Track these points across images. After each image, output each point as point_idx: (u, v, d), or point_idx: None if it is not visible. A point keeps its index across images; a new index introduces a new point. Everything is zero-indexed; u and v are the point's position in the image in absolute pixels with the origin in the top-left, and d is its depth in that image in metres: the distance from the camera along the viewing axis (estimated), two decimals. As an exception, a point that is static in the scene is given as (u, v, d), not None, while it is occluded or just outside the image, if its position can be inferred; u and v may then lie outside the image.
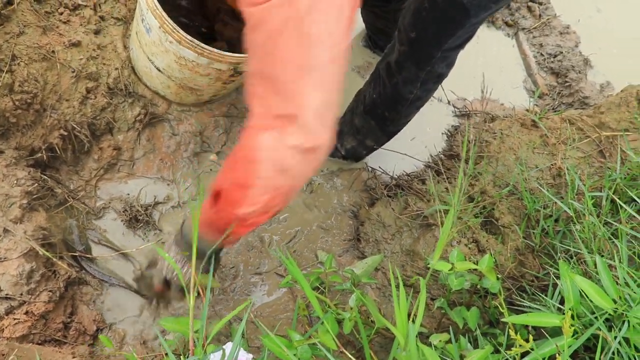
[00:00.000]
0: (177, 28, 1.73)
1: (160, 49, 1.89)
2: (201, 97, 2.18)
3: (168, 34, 1.76)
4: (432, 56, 1.82)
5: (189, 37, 1.73)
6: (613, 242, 1.53)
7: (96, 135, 2.11)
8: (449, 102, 2.74)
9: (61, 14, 2.16)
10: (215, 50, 1.75)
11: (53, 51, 2.03)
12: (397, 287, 1.21)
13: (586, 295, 1.22)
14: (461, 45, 1.84)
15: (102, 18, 2.27)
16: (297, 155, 1.13)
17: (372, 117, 2.16)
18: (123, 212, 2.05)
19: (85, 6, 2.23)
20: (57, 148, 1.99)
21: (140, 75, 2.20)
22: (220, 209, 1.31)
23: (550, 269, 1.62)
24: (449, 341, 1.42)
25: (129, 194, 2.09)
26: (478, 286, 1.56)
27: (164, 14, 1.73)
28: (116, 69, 2.17)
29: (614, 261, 1.36)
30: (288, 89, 1.07)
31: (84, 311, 1.86)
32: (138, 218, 2.04)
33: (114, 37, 2.26)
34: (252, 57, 1.12)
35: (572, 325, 1.23)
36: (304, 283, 1.30)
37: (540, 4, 3.18)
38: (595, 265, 1.32)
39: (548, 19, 3.14)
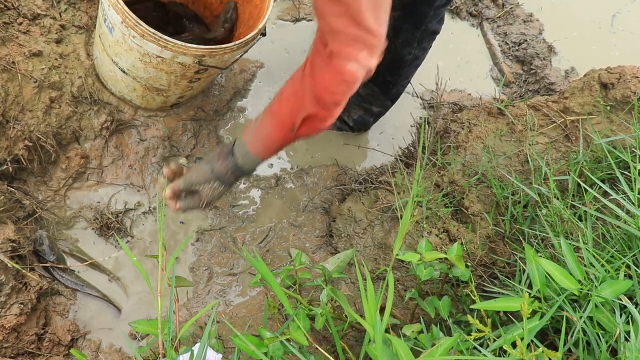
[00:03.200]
0: (140, 21, 1.73)
1: (123, 47, 1.88)
2: (167, 100, 2.17)
3: (131, 28, 1.74)
4: (425, 15, 1.99)
5: (151, 29, 1.72)
6: (579, 224, 1.56)
7: (62, 144, 2.09)
8: (416, 95, 2.76)
9: (20, 24, 2.14)
10: (179, 42, 1.74)
11: (13, 62, 2.01)
12: (364, 280, 1.22)
13: (552, 278, 1.24)
14: (447, 3, 2.01)
15: (63, 27, 2.26)
16: (368, 70, 1.32)
17: (375, 84, 2.28)
18: (94, 220, 2.03)
19: (45, 15, 2.21)
20: (22, 159, 1.97)
21: (105, 81, 2.18)
22: (307, 127, 1.44)
23: (520, 254, 1.63)
24: (421, 331, 1.43)
25: (99, 202, 2.08)
26: (449, 275, 1.58)
27: (125, 7, 1.72)
28: (80, 77, 2.15)
29: (580, 243, 1.38)
30: (366, 21, 1.23)
31: (58, 322, 1.84)
32: (109, 225, 2.03)
33: (77, 46, 2.25)
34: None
35: (538, 308, 1.25)
36: (272, 280, 1.30)
37: (503, -7, 3.21)
38: (561, 247, 1.34)
39: (511, 7, 3.17)
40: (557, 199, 1.65)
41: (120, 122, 2.19)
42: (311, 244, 2.17)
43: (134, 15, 1.72)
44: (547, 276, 1.27)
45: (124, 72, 2.02)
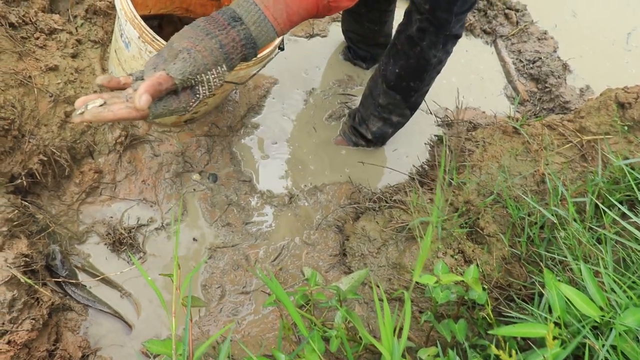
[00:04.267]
0: (157, 37, 1.72)
1: (139, 62, 1.88)
2: (182, 115, 2.16)
3: (148, 43, 1.74)
4: (448, 21, 2.00)
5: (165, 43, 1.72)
6: (598, 247, 1.53)
7: (77, 159, 2.09)
8: (430, 112, 2.75)
9: (37, 38, 2.14)
10: None
11: (30, 76, 2.01)
12: (381, 301, 1.20)
13: (572, 304, 1.22)
14: (469, 9, 2.02)
15: (79, 41, 2.26)
16: None
17: (397, 91, 2.27)
18: (106, 235, 2.03)
19: (62, 30, 2.22)
20: (37, 173, 1.97)
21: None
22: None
23: (537, 277, 1.61)
24: (437, 355, 1.41)
25: (111, 217, 2.07)
26: (465, 297, 1.55)
27: (142, 22, 1.72)
28: (95, 91, 2.15)
29: (600, 267, 1.36)
30: None
31: (69, 338, 1.83)
32: (122, 241, 2.02)
33: (92, 60, 2.25)
34: None
35: (559, 335, 1.22)
36: (287, 302, 1.28)
37: (517, 10, 3.20)
38: (581, 272, 1.32)
39: (525, 25, 3.16)
40: (576, 221, 1.63)
41: (134, 137, 2.19)
42: (324, 262, 2.15)
43: (151, 31, 1.72)
44: (567, 302, 1.25)
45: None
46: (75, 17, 2.35)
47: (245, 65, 1.82)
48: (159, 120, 2.21)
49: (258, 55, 1.85)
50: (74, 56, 2.22)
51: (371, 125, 2.43)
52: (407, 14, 2.10)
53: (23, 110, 1.96)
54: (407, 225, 2.02)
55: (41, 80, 2.04)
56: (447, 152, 2.36)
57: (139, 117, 1.14)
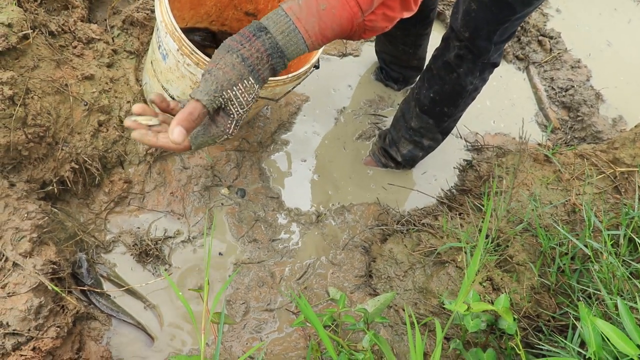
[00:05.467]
0: (196, 50, 1.73)
1: (176, 74, 1.89)
2: (225, 140, 2.17)
3: (186, 56, 1.75)
4: (487, 49, 1.98)
5: (207, 58, 1.73)
6: (633, 282, 1.50)
7: (107, 168, 2.10)
8: (460, 136, 2.73)
9: (75, 47, 2.17)
10: None
11: (66, 84, 2.04)
12: (405, 325, 1.18)
13: (608, 340, 1.19)
14: (509, 38, 2.00)
15: (114, 51, 2.29)
16: None
17: (430, 115, 2.26)
18: (133, 246, 2.03)
19: (99, 40, 2.24)
20: (68, 181, 1.98)
21: (153, 106, 2.19)
22: (376, 17, 1.19)
23: (568, 309, 1.58)
24: (465, 384, 1.39)
25: (139, 228, 2.07)
26: (494, 326, 1.53)
27: (183, 36, 1.73)
28: (128, 102, 2.17)
29: (635, 303, 1.33)
30: None
31: (92, 347, 1.82)
32: (148, 252, 2.02)
33: (127, 70, 2.27)
34: None
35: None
36: (318, 325, 1.27)
37: (551, 37, 3.18)
38: (615, 307, 1.29)
39: (559, 52, 3.14)
40: (611, 254, 1.60)
41: (165, 149, 2.19)
42: (350, 283, 2.13)
43: (190, 44, 1.73)
44: (603, 337, 1.22)
45: (173, 99, 2.03)
46: (112, 27, 2.38)
47: (282, 82, 1.82)
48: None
49: (295, 73, 1.86)
50: (109, 66, 2.24)
51: (402, 148, 2.42)
52: (445, 39, 2.09)
53: (58, 118, 1.97)
54: (436, 249, 2.00)
55: (77, 89, 2.06)
56: (481, 177, 2.34)
57: (179, 150, 1.15)
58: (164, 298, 1.98)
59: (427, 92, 2.19)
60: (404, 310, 1.93)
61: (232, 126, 1.17)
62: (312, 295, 2.08)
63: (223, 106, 1.14)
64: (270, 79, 1.67)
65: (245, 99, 1.14)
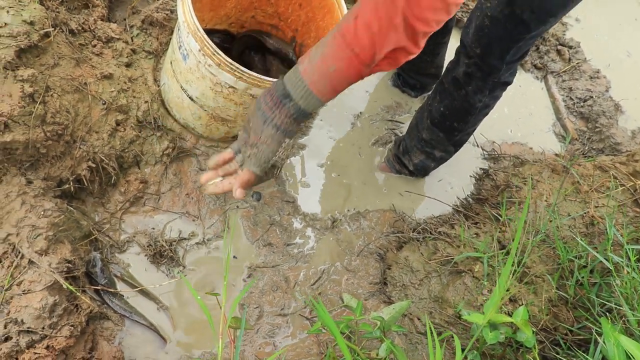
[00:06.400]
0: (218, 50, 1.73)
1: (196, 75, 1.88)
2: (231, 131, 2.16)
3: (208, 57, 1.74)
4: (498, 68, 1.93)
5: (229, 59, 1.72)
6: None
7: (123, 167, 2.09)
8: (477, 145, 2.71)
9: (94, 46, 2.17)
10: (254, 74, 1.74)
11: (85, 83, 2.03)
12: (420, 334, 1.17)
13: (633, 358, 1.17)
14: (521, 57, 1.94)
15: (133, 51, 2.29)
16: None
17: (440, 129, 2.22)
18: (147, 246, 2.02)
19: (119, 39, 2.24)
20: (84, 180, 1.98)
21: (171, 107, 2.19)
22: (384, 64, 1.29)
23: (587, 322, 1.56)
24: (482, 397, 1.37)
25: (153, 229, 2.07)
26: (511, 338, 1.51)
27: (205, 36, 1.73)
28: (146, 102, 2.16)
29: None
30: None
31: (104, 347, 1.82)
32: (162, 253, 2.01)
33: (145, 70, 2.27)
34: None
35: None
36: (336, 332, 1.26)
37: (570, 47, 3.16)
38: (638, 323, 1.27)
39: (578, 62, 3.11)
40: (634, 270, 1.57)
41: (182, 150, 2.19)
42: (364, 290, 2.12)
43: (212, 44, 1.72)
44: (627, 355, 1.20)
45: (192, 99, 2.03)
46: (131, 27, 2.38)
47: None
48: (209, 134, 2.21)
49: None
50: (128, 65, 2.24)
51: (414, 157, 2.40)
52: (457, 53, 2.05)
53: (76, 117, 1.97)
54: (453, 259, 1.98)
55: (95, 88, 2.06)
56: (497, 187, 2.32)
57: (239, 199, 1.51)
58: (177, 300, 1.97)
59: (438, 106, 2.16)
60: (419, 319, 1.92)
61: (277, 168, 1.57)
62: (326, 301, 2.07)
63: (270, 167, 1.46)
64: (275, 80, 1.77)
65: (284, 154, 1.55)
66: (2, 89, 1.77)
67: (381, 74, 2.82)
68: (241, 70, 1.73)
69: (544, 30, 1.82)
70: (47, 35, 1.94)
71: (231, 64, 1.73)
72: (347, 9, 1.97)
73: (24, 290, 1.68)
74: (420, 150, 2.36)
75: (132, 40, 2.34)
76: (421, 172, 2.48)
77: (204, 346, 1.91)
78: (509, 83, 2.04)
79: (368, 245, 2.22)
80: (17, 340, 1.63)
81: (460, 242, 2.02)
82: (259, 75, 1.74)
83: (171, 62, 2.07)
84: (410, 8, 1.16)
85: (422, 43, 1.27)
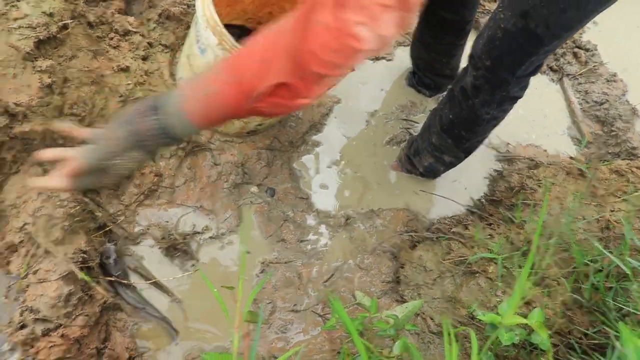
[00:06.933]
0: (237, 45, 1.72)
1: (213, 70, 1.89)
2: (246, 126, 2.16)
3: (227, 51, 1.74)
4: (507, 82, 1.86)
5: None
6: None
7: (139, 160, 2.10)
8: (491, 146, 2.70)
9: (111, 39, 2.18)
10: None
11: (102, 75, 2.04)
12: (434, 334, 1.16)
13: (651, 362, 1.16)
14: (533, 72, 1.87)
15: (150, 45, 2.29)
16: (381, 44, 0.99)
17: (449, 136, 2.18)
18: (161, 239, 2.02)
19: (136, 32, 2.24)
20: (100, 171, 1.98)
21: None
22: (271, 102, 1.11)
23: (603, 326, 1.55)
24: (496, 398, 1.36)
25: (167, 222, 2.07)
26: (525, 340, 1.50)
27: (224, 30, 1.73)
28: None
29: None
30: None
31: (117, 338, 1.83)
32: (176, 247, 2.02)
33: (161, 64, 2.27)
34: None
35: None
36: (352, 329, 1.25)
37: (587, 50, 3.14)
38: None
39: (594, 65, 3.09)
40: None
41: (196, 144, 2.19)
42: (376, 288, 2.11)
43: (231, 39, 1.72)
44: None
45: (208, 94, 2.03)
46: (149, 20, 2.38)
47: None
48: (223, 129, 2.21)
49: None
50: (144, 59, 2.24)
51: (423, 160, 2.38)
52: (468, 61, 1.97)
53: (93, 108, 1.98)
54: (467, 259, 1.97)
55: (112, 80, 2.06)
56: (511, 188, 2.31)
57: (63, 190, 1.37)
58: (189, 293, 1.97)
59: (447, 112, 2.12)
60: (431, 318, 1.91)
61: (111, 180, 1.29)
62: (338, 299, 2.07)
63: (106, 168, 1.24)
64: None
65: (126, 165, 1.24)
66: (21, 80, 1.78)
67: (397, 70, 2.82)
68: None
69: (558, 45, 1.76)
70: (65, 27, 1.95)
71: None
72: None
73: (40, 279, 1.70)
74: (430, 154, 2.33)
75: (149, 34, 2.34)
76: (431, 174, 2.47)
77: (216, 340, 1.91)
78: (518, 97, 1.98)
79: (381, 244, 2.22)
80: (33, 328, 1.64)
81: (474, 242, 2.02)
82: (278, 71, 1.74)
83: (188, 57, 2.07)
84: (304, 40, 1.00)
85: (316, 89, 1.08)
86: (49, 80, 1.81)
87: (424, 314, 1.95)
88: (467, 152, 2.29)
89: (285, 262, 2.10)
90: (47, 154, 1.27)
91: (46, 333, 1.64)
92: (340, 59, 0.99)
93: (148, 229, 2.05)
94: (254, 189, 2.21)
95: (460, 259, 2.00)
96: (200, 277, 2.00)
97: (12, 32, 1.79)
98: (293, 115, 2.41)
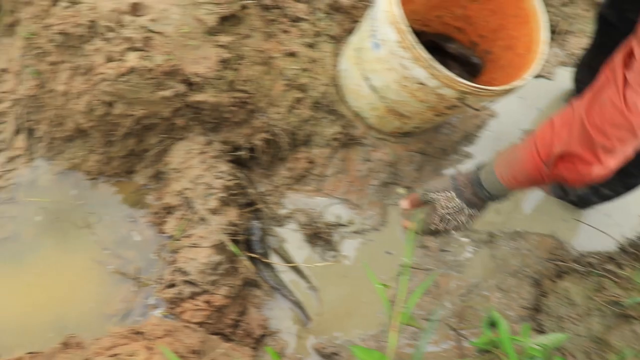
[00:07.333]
0: (418, 44, 1.70)
1: (385, 66, 1.87)
2: (403, 127, 2.14)
3: (406, 50, 1.72)
4: None
5: (428, 55, 1.69)
6: None
7: (294, 144, 2.13)
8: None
9: (282, 23, 2.22)
10: (451, 74, 1.69)
11: (271, 57, 2.08)
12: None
13: None
14: None
15: (317, 33, 2.31)
16: None
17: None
18: (305, 225, 2.04)
19: (305, 20, 2.28)
20: (257, 149, 2.03)
21: (346, 93, 2.19)
22: (566, 168, 1.24)
23: None
24: None
25: (313, 209, 2.08)
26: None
27: (408, 28, 1.71)
28: (324, 84, 2.18)
29: None
30: None
31: (253, 314, 1.86)
32: (319, 235, 2.03)
33: (325, 54, 2.29)
34: None
35: None
36: (510, 350, 1.20)
37: None
38: None
39: None
40: None
41: (351, 137, 2.19)
42: (514, 313, 2.03)
43: (414, 37, 1.70)
44: None
45: (373, 89, 2.02)
46: (317, 9, 2.41)
47: (494, 93, 1.75)
48: (378, 125, 2.19)
49: (510, 85, 1.78)
50: (310, 46, 2.27)
51: (578, 188, 2.26)
52: None
53: (260, 88, 2.03)
54: (621, 301, 1.85)
55: (280, 63, 2.10)
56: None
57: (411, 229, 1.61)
58: (327, 283, 1.98)
59: None
60: (573, 356, 1.81)
61: (437, 221, 1.54)
62: (472, 316, 2.00)
63: (431, 202, 1.54)
64: (486, 87, 1.74)
65: (445, 204, 1.50)
66: (202, 52, 1.85)
67: (556, 90, 2.70)
68: (437, 68, 1.69)
69: None
70: (245, 7, 2.00)
71: (428, 59, 1.69)
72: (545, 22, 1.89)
73: (193, 244, 1.76)
74: None
75: (317, 23, 2.37)
76: (581, 204, 2.35)
77: (348, 334, 1.91)
78: None
79: (524, 268, 2.13)
80: (181, 289, 1.70)
81: (631, 284, 1.89)
82: (454, 76, 1.69)
83: (357, 50, 2.07)
84: (588, 114, 1.13)
85: (607, 159, 1.17)
86: (227, 55, 1.87)
87: (565, 349, 1.84)
88: (628, 189, 2.15)
89: (425, 269, 2.06)
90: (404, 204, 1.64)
91: (192, 296, 1.70)
92: (623, 133, 1.09)
93: (293, 213, 2.07)
94: (401, 190, 2.19)
95: (613, 299, 1.88)
96: (337, 268, 2.00)
97: (199, 7, 1.86)
98: (448, 122, 2.36)
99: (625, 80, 1.06)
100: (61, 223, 1.97)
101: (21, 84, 2.04)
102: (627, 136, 1.09)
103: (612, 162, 1.17)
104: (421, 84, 1.80)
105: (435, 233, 1.57)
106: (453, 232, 1.55)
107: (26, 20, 2.02)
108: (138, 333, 1.49)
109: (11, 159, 2.03)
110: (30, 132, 2.07)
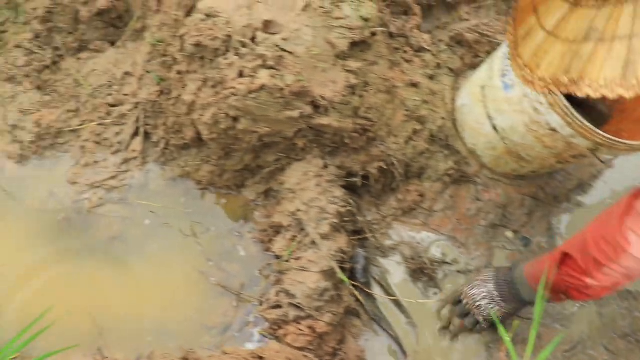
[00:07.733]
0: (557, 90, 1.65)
1: (514, 108, 1.82)
2: (519, 170, 2.09)
3: (543, 94, 1.67)
4: None
5: (565, 102, 1.62)
6: None
7: (407, 176, 2.11)
8: None
9: (406, 52, 2.21)
10: (589, 124, 1.62)
11: (395, 86, 2.08)
12: None
13: None
14: None
15: (438, 65, 2.29)
16: None
17: None
18: (410, 259, 2.01)
19: (428, 50, 2.26)
20: (371, 178, 2.03)
21: (463, 129, 2.16)
22: (565, 272, 1.40)
23: None
24: None
25: (419, 243, 2.06)
26: None
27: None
28: (442, 118, 2.16)
29: None
30: None
31: (351, 344, 1.85)
32: (423, 271, 2.00)
33: (445, 87, 2.26)
34: None
35: None
36: None
37: None
38: None
39: None
40: None
41: (463, 174, 2.16)
42: (621, 377, 1.94)
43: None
44: None
45: (495, 129, 1.97)
46: (440, 41, 2.39)
47: (630, 147, 1.67)
48: (493, 166, 2.15)
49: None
50: (431, 78, 2.25)
51: None
52: None
53: (382, 117, 2.02)
54: None
55: (403, 93, 2.09)
56: None
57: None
58: (426, 321, 1.95)
59: None
60: None
61: (470, 323, 1.81)
62: (577, 375, 1.93)
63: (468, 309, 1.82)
64: (623, 141, 1.66)
65: (485, 306, 1.76)
66: (330, 75, 1.86)
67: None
68: (576, 116, 1.63)
69: None
70: (374, 33, 2.00)
71: (567, 107, 1.64)
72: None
73: (302, 267, 1.77)
74: None
75: (439, 55, 2.35)
76: None
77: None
78: None
79: (636, 332, 2.03)
80: (287, 311, 1.71)
81: None
82: (592, 127, 1.63)
83: (482, 87, 2.03)
84: (592, 226, 1.31)
85: (599, 276, 1.29)
86: (354, 81, 1.88)
87: None
88: None
89: (527, 318, 1.99)
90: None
91: (297, 320, 1.71)
92: (610, 251, 1.22)
93: (399, 245, 2.05)
94: (509, 234, 2.13)
95: None
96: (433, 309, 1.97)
97: (332, 30, 1.88)
98: (563, 170, 2.29)
99: (631, 207, 1.21)
100: (168, 229, 2.02)
101: (143, 89, 2.12)
102: (612, 255, 1.21)
103: (603, 280, 1.29)
104: (553, 130, 1.73)
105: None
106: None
107: (154, 27, 2.10)
108: (259, 358, 1.50)
109: (126, 161, 2.11)
110: (147, 136, 2.14)
